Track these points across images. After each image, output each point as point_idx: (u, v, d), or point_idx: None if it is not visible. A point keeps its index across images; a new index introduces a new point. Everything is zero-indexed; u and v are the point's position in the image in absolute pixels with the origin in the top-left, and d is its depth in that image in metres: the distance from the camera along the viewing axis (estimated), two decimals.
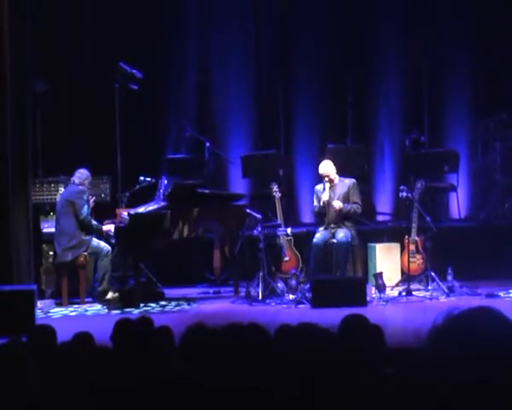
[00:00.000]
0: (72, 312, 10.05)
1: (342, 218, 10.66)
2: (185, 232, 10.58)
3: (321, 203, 10.63)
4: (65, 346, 4.29)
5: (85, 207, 10.52)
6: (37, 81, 11.66)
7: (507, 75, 12.47)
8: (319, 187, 10.84)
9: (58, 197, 10.96)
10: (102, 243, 10.57)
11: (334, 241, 10.56)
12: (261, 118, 13.21)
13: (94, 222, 10.63)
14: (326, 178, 10.70)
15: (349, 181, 10.79)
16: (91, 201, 10.79)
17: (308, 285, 10.13)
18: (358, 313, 4.68)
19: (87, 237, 10.54)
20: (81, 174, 10.71)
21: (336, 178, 10.76)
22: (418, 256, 10.71)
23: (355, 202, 10.69)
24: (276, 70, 13.25)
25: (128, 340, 4.79)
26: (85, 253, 10.55)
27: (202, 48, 13.30)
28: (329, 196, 10.62)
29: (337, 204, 10.55)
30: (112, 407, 3.19)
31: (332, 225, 10.65)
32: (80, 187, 10.65)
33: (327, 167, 10.74)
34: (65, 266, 10.53)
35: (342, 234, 10.53)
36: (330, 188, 10.69)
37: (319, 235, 10.62)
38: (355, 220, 10.89)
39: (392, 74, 13.11)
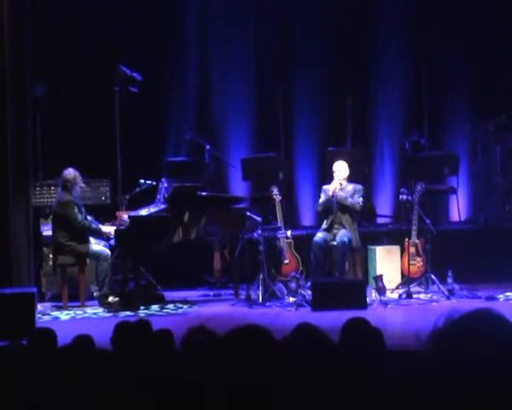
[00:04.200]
0: (71, 315, 10.04)
1: (346, 217, 10.66)
2: (185, 235, 10.57)
3: (330, 193, 10.63)
4: (65, 349, 4.29)
5: (77, 214, 10.42)
6: (38, 84, 11.67)
7: (506, 78, 12.47)
8: (327, 186, 10.85)
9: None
10: (102, 248, 10.54)
11: (335, 243, 10.57)
12: (261, 121, 13.22)
13: (92, 225, 10.57)
14: (337, 172, 10.70)
15: (356, 185, 10.85)
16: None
17: (308, 287, 10.14)
18: (360, 317, 4.68)
19: (82, 246, 10.47)
20: (62, 176, 10.53)
21: (344, 183, 10.76)
22: (418, 259, 10.71)
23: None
24: (276, 73, 13.26)
25: (128, 343, 4.79)
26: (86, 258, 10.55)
27: (202, 51, 13.31)
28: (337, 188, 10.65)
29: (337, 189, 10.58)
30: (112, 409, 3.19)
31: (335, 226, 10.67)
32: (64, 195, 10.49)
33: (342, 165, 10.75)
34: (65, 267, 10.52)
35: (342, 234, 10.55)
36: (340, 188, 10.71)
37: (320, 234, 10.64)
38: (357, 223, 10.90)
39: (392, 77, 13.11)
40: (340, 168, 10.78)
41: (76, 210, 10.43)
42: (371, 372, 3.31)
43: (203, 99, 13.23)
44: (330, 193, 10.65)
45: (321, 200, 10.83)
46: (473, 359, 1.72)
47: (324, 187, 10.92)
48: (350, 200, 10.67)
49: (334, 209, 10.69)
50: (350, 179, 10.91)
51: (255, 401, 2.34)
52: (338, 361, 2.51)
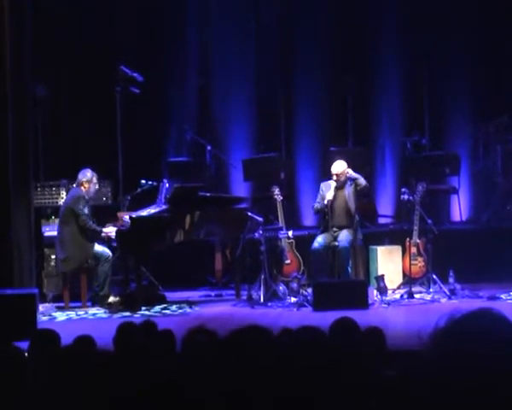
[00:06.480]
0: (72, 315, 10.04)
1: (346, 219, 10.65)
2: (187, 235, 10.57)
3: (325, 202, 10.62)
4: (66, 349, 4.29)
5: (83, 210, 10.41)
6: (39, 85, 11.66)
7: (508, 78, 12.47)
8: (325, 184, 10.81)
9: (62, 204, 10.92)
10: (103, 249, 10.54)
11: (336, 243, 10.55)
12: (262, 121, 13.21)
13: (93, 225, 10.54)
14: (335, 177, 10.68)
15: (351, 175, 10.78)
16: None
17: (310, 288, 10.14)
18: (347, 317, 4.69)
19: (88, 245, 10.46)
20: (80, 175, 10.61)
21: (350, 170, 10.70)
22: (420, 259, 10.71)
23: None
24: (277, 73, 13.26)
25: (130, 343, 4.79)
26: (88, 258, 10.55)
27: (203, 51, 13.32)
28: (334, 196, 10.63)
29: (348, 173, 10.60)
30: None
31: (334, 229, 10.65)
32: (79, 191, 10.56)
33: (340, 167, 10.71)
34: (67, 273, 10.52)
35: (343, 237, 10.52)
36: (340, 188, 10.68)
37: (320, 239, 10.58)
38: (358, 221, 10.88)
39: (394, 77, 13.11)
40: (340, 171, 10.71)
41: (83, 206, 10.42)
42: (365, 372, 3.31)
43: (204, 99, 13.23)
44: (328, 199, 10.59)
45: (318, 200, 10.80)
46: (474, 358, 1.72)
47: (322, 184, 10.87)
48: (363, 180, 10.64)
49: (328, 214, 10.64)
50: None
51: (256, 401, 2.34)
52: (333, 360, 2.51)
